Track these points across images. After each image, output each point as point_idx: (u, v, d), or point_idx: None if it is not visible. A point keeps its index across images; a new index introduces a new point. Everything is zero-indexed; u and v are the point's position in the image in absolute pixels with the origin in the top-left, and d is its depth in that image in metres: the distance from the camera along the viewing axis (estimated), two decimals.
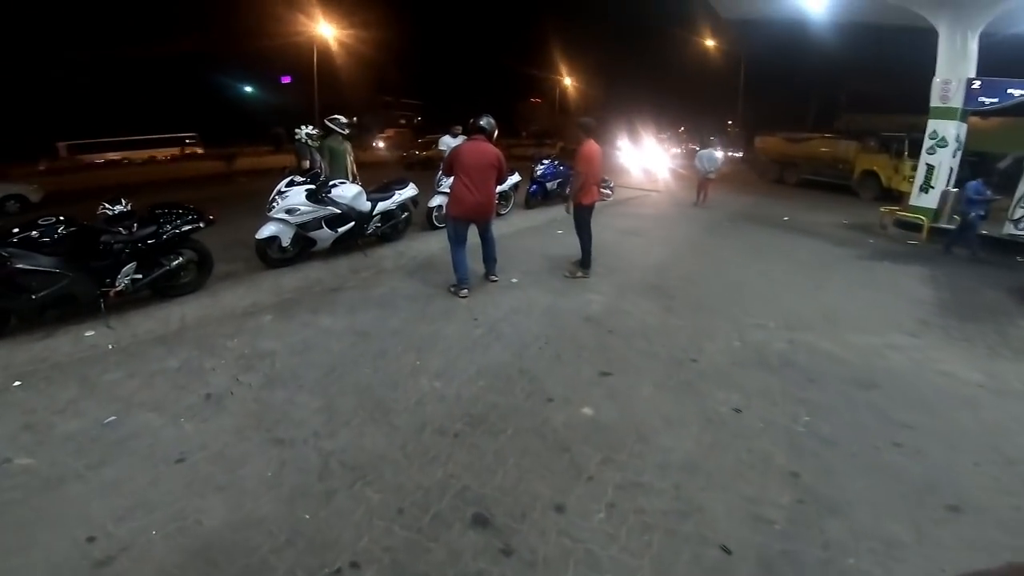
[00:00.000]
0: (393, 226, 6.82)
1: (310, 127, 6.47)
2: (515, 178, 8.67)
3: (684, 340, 4.27)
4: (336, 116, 6.82)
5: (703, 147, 12.86)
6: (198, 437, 2.80)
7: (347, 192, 6.05)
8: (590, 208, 5.67)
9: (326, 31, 27.68)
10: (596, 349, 4.04)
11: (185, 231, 4.85)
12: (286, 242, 5.79)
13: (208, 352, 3.83)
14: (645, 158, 20.25)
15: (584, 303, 4.99)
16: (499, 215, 8.52)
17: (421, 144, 23.74)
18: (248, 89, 38.12)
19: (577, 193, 5.53)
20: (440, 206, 7.44)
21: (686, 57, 34.28)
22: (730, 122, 65.12)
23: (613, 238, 7.63)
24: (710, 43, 28.08)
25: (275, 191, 5.69)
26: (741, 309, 5.00)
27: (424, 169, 23.24)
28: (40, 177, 18.53)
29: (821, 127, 22.05)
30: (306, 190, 5.68)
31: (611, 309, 4.87)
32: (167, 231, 4.74)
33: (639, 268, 6.23)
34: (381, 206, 6.50)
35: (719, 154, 12.09)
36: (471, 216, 5.01)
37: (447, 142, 9.15)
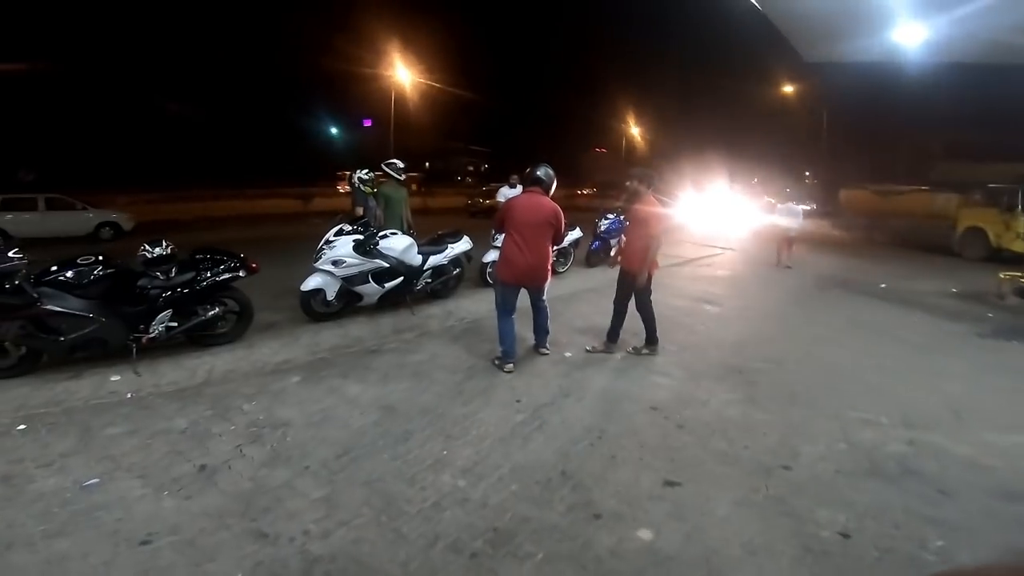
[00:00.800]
0: (444, 282, 6.41)
1: (366, 171, 6.24)
2: (576, 234, 8.12)
3: (773, 441, 3.45)
4: (393, 160, 6.59)
5: (782, 201, 11.81)
6: (174, 517, 2.48)
7: (397, 245, 5.70)
8: (641, 278, 4.73)
9: (404, 77, 28.83)
10: (661, 449, 3.30)
11: (223, 280, 4.60)
12: (331, 296, 5.47)
13: (221, 414, 3.56)
14: (716, 212, 18.73)
15: (648, 387, 4.24)
16: (556, 273, 7.95)
17: (485, 192, 23.86)
18: (333, 131, 40.52)
19: (632, 258, 4.72)
20: (495, 262, 6.97)
21: (760, 104, 33.18)
22: (807, 173, 62.38)
23: (683, 306, 6.82)
24: (788, 89, 26.86)
25: (323, 240, 5.41)
26: (844, 401, 4.09)
27: (488, 218, 23.22)
28: (135, 206, 20.07)
29: (912, 179, 20.23)
30: (354, 241, 5.36)
31: (681, 397, 4.10)
32: (205, 279, 4.52)
33: (715, 345, 5.40)
34: (432, 261, 6.11)
35: (801, 208, 10.97)
36: (522, 280, 4.45)
37: (506, 193, 8.59)
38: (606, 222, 8.92)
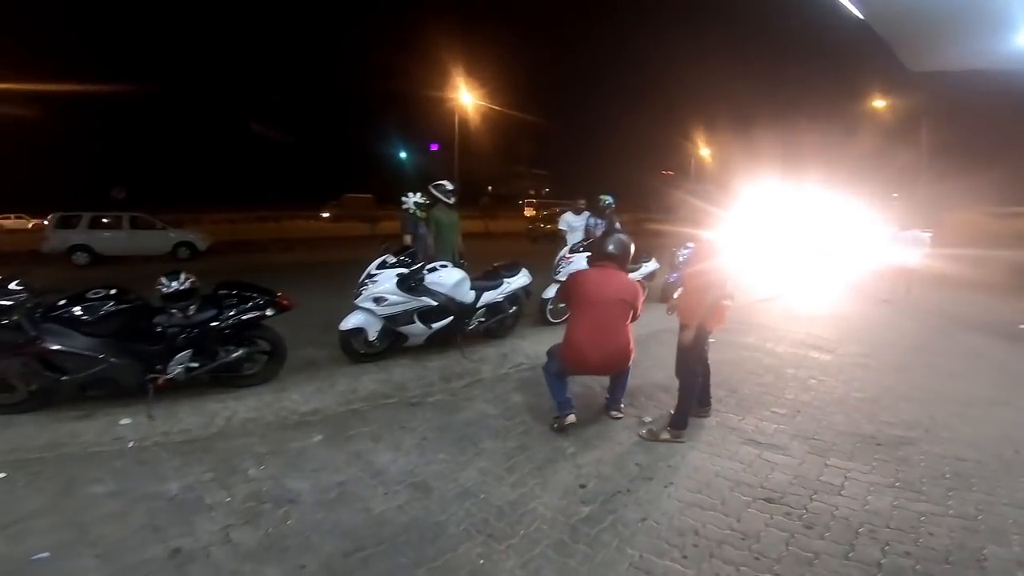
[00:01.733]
0: (500, 321, 5.63)
1: (418, 195, 5.60)
2: (652, 265, 7.14)
3: (944, 541, 2.47)
4: (441, 182, 5.90)
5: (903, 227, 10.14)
6: None
7: (447, 279, 4.99)
8: (688, 333, 3.48)
9: (468, 101, 28.98)
10: (786, 561, 2.34)
11: (249, 319, 4.04)
12: (372, 336, 4.83)
13: (223, 478, 3.04)
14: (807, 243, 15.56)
15: (759, 468, 3.21)
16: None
17: (547, 216, 23.14)
18: (403, 155, 41.56)
19: (686, 307, 3.48)
20: (555, 298, 6.15)
21: (849, 120, 30.64)
22: (895, 195, 57.53)
23: (786, 353, 5.64)
24: (879, 103, 24.45)
25: (364, 273, 4.78)
26: None
27: (551, 243, 22.37)
28: (216, 226, 20.96)
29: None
30: (398, 275, 4.69)
31: (805, 481, 3.06)
32: (228, 318, 3.97)
33: (836, 404, 4.24)
34: (487, 297, 5.35)
35: (926, 236, 9.31)
36: (597, 371, 3.69)
37: (568, 221, 7.47)
38: (685, 252, 7.82)
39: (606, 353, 3.48)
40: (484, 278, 5.50)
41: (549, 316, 6.15)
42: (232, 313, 4.01)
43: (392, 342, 4.99)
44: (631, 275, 7.08)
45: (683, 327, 3.46)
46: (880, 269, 11.33)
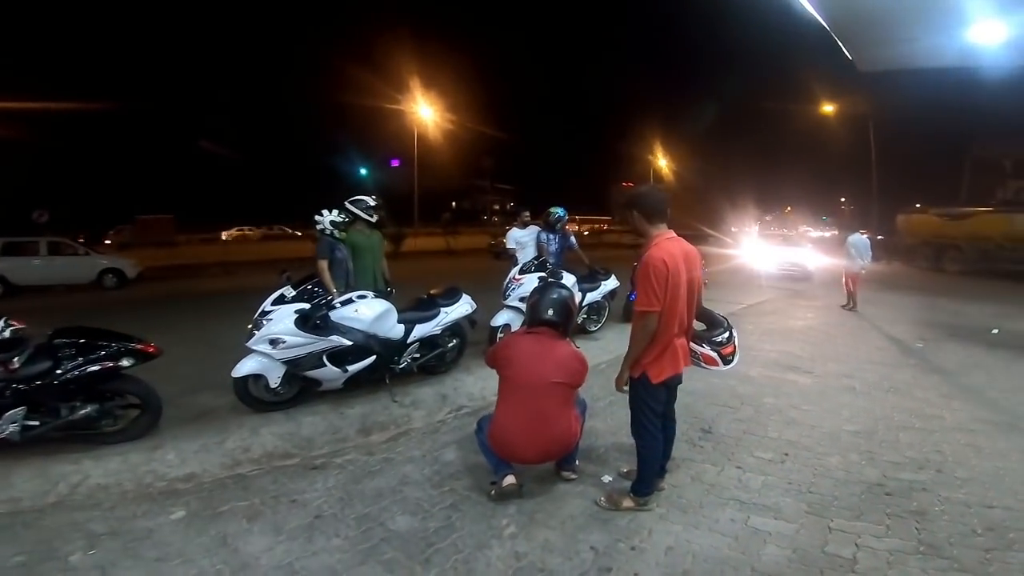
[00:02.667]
0: (439, 356, 4.77)
1: (335, 212, 4.73)
2: (611, 283, 6.46)
3: None
4: (361, 197, 4.94)
5: (849, 230, 9.88)
6: None
7: (364, 314, 4.09)
8: (664, 387, 2.64)
9: (428, 114, 28.29)
10: None
11: (95, 372, 3.12)
12: (274, 382, 3.93)
13: (34, 565, 2.33)
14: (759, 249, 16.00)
15: (747, 542, 2.48)
16: (587, 332, 6.28)
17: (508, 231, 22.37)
18: (362, 171, 40.21)
19: (638, 354, 2.54)
20: (508, 325, 5.35)
21: (797, 127, 31.38)
22: (843, 199, 59.42)
23: (762, 378, 5.00)
24: (828, 108, 24.86)
25: (259, 310, 3.90)
26: None
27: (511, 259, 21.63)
28: (150, 250, 19.41)
29: (976, 200, 17.71)
30: (296, 312, 3.80)
31: (806, 556, 2.36)
32: (66, 372, 3.04)
33: (829, 442, 3.57)
34: (420, 331, 4.48)
35: (869, 240, 8.95)
36: (527, 460, 2.81)
37: (515, 238, 6.42)
38: None
39: (540, 447, 2.73)
40: (417, 308, 4.65)
41: None
42: (72, 365, 3.10)
43: (304, 387, 4.10)
44: (590, 294, 6.47)
45: (646, 383, 2.59)
46: (823, 273, 11.47)
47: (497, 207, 46.73)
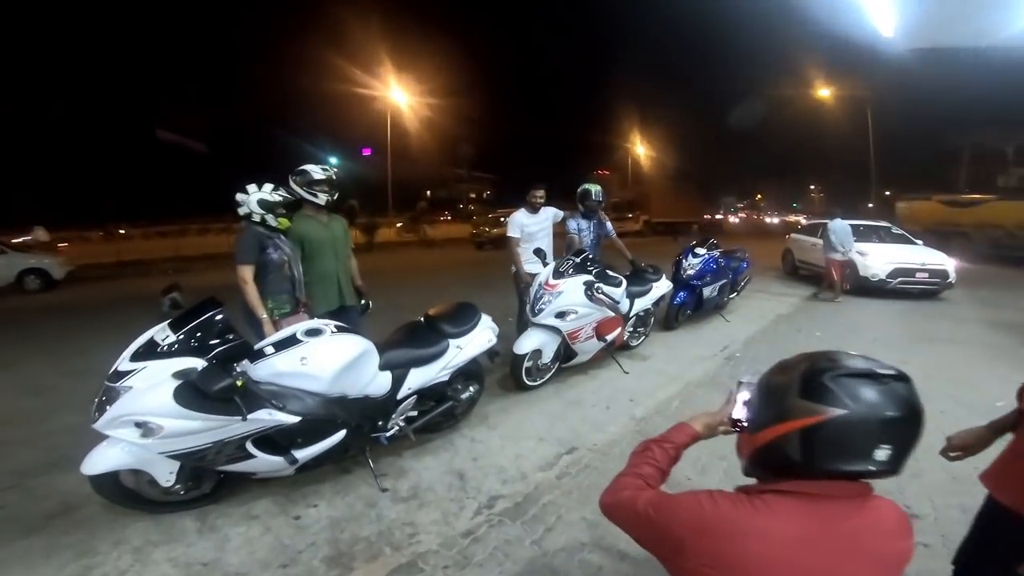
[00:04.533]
0: (447, 412, 3.05)
1: (268, 188, 2.98)
2: (663, 286, 4.91)
3: None
4: (305, 168, 3.16)
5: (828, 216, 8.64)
6: None
7: (318, 368, 2.29)
8: None
9: (401, 99, 26.25)
10: None
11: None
12: (165, 479, 2.23)
13: None
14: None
15: None
16: (628, 347, 4.71)
17: (492, 220, 20.68)
18: (332, 160, 37.78)
19: None
20: (539, 351, 3.75)
21: (768, 117, 30.56)
22: (812, 187, 59.75)
23: None
24: (824, 92, 23.84)
25: (113, 368, 2.14)
26: None
27: (497, 249, 20.00)
28: (89, 246, 17.03)
29: (978, 187, 16.99)
30: (179, 377, 2.03)
31: None
32: None
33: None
34: (417, 380, 2.74)
35: (851, 226, 7.92)
36: None
37: (521, 224, 4.40)
38: (694, 261, 5.61)
39: None
40: (410, 342, 2.83)
41: (525, 378, 3.73)
42: None
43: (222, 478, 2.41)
44: (639, 301, 4.47)
45: None
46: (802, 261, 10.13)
47: (474, 196, 44.72)
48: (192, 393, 1.94)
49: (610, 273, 3.93)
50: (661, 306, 5.27)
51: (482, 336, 3.03)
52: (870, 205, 26.59)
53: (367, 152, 35.32)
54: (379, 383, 2.51)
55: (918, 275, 7.89)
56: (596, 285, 3.65)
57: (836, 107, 24.43)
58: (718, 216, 43.36)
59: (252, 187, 2.90)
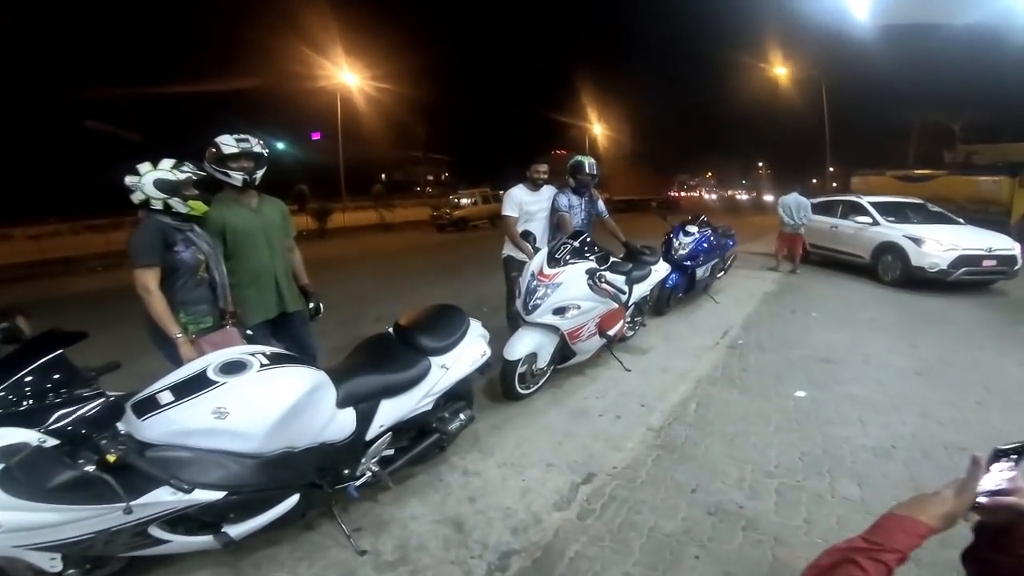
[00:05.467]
0: (434, 445, 2.34)
1: (167, 163, 2.16)
2: (662, 270, 4.36)
3: None
4: (216, 141, 2.32)
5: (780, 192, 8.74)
6: None
7: (245, 420, 1.51)
8: None
9: (351, 81, 24.74)
10: None
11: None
12: (49, 565, 1.49)
13: None
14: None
15: None
16: (623, 340, 4.13)
17: (454, 201, 19.82)
18: (280, 146, 35.71)
19: None
20: (534, 354, 3.12)
21: (718, 96, 30.77)
22: (760, 164, 61.51)
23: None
24: (780, 71, 23.91)
25: None
26: None
27: (458, 231, 19.34)
28: (26, 241, 15.16)
29: (925, 164, 17.53)
30: (24, 458, 1.27)
31: None
32: None
33: None
34: (391, 413, 2.00)
35: (808, 201, 7.77)
36: None
37: (520, 201, 3.76)
38: (686, 240, 5.09)
39: None
40: (377, 366, 2.05)
41: (518, 386, 3.11)
42: None
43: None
44: (638, 287, 3.65)
45: None
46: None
47: (432, 178, 43.22)
48: (29, 477, 1.22)
49: (613, 258, 3.34)
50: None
51: (473, 349, 2.34)
52: (814, 181, 27.35)
53: (317, 136, 33.58)
54: (339, 425, 1.82)
55: (985, 263, 6.39)
56: (599, 273, 3.05)
57: (787, 87, 24.62)
58: (671, 193, 43.85)
59: (145, 165, 2.10)
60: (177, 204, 2.11)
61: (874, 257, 7.25)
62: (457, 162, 43.53)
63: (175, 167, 2.13)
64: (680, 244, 5.01)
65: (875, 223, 7.41)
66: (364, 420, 1.90)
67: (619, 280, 3.27)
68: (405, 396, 2.01)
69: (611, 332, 3.44)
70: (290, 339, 2.68)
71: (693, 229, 5.13)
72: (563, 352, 3.29)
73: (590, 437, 2.84)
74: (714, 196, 50.09)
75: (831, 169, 25.44)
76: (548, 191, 3.85)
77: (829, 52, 19.24)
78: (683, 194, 47.17)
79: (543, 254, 3.20)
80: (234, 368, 1.57)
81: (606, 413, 3.10)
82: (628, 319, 4.00)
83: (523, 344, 3.04)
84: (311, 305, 2.74)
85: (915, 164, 17.05)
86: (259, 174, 2.40)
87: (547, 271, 3.08)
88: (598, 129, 41.49)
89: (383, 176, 38.14)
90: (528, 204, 3.75)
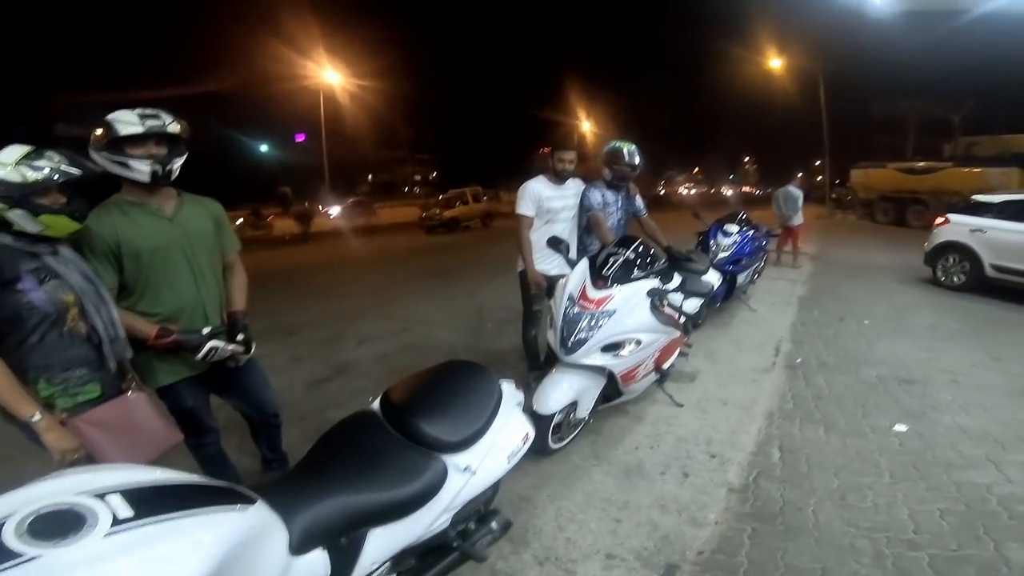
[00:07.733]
0: (454, 563, 1.44)
1: (11, 154, 1.30)
2: (714, 279, 3.60)
3: None
4: (108, 119, 1.51)
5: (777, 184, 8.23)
6: None
7: None
8: None
9: (335, 81, 23.77)
10: None
11: None
12: None
13: None
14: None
15: None
16: (683, 355, 3.33)
17: (443, 201, 19.00)
18: (263, 148, 34.71)
19: None
20: (574, 403, 2.36)
21: (707, 94, 30.29)
22: (748, 158, 61.52)
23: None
24: (775, 64, 23.37)
25: None
26: None
27: (449, 232, 18.41)
28: None
29: (924, 156, 17.16)
30: None
31: None
32: None
33: None
34: (391, 542, 1.20)
35: (801, 193, 7.49)
36: None
37: (539, 196, 2.90)
38: (726, 241, 4.36)
39: None
40: (355, 481, 1.15)
41: (550, 440, 2.35)
42: None
43: None
44: (688, 302, 2.54)
45: None
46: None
47: (419, 178, 42.27)
48: None
49: (690, 265, 2.57)
50: None
51: (509, 435, 1.49)
52: (800, 175, 27.00)
53: (301, 138, 32.73)
54: (317, 570, 1.05)
55: None
56: (662, 293, 2.29)
57: (777, 80, 24.12)
58: (660, 190, 43.53)
59: (15, 149, 1.32)
60: (19, 219, 1.30)
61: None
62: (444, 161, 42.74)
63: (25, 160, 1.31)
64: (720, 246, 4.27)
65: None
66: (344, 562, 1.11)
67: (678, 299, 2.52)
68: (408, 521, 1.21)
69: (666, 365, 2.69)
70: (237, 395, 1.91)
71: (733, 228, 4.40)
72: (605, 392, 2.53)
73: (656, 508, 2.09)
74: (693, 192, 49.50)
75: (817, 162, 25.09)
76: (575, 185, 3.04)
77: (823, 43, 18.76)
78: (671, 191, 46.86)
79: (582, 269, 2.39)
80: (59, 527, 0.75)
81: (668, 470, 2.36)
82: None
83: (560, 392, 2.25)
84: (239, 338, 1.83)
85: (914, 156, 16.63)
86: (176, 165, 1.59)
87: (592, 295, 2.26)
88: (587, 126, 40.92)
89: (369, 177, 37.21)
90: (550, 200, 2.93)
